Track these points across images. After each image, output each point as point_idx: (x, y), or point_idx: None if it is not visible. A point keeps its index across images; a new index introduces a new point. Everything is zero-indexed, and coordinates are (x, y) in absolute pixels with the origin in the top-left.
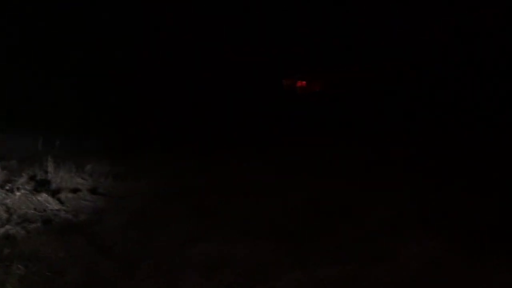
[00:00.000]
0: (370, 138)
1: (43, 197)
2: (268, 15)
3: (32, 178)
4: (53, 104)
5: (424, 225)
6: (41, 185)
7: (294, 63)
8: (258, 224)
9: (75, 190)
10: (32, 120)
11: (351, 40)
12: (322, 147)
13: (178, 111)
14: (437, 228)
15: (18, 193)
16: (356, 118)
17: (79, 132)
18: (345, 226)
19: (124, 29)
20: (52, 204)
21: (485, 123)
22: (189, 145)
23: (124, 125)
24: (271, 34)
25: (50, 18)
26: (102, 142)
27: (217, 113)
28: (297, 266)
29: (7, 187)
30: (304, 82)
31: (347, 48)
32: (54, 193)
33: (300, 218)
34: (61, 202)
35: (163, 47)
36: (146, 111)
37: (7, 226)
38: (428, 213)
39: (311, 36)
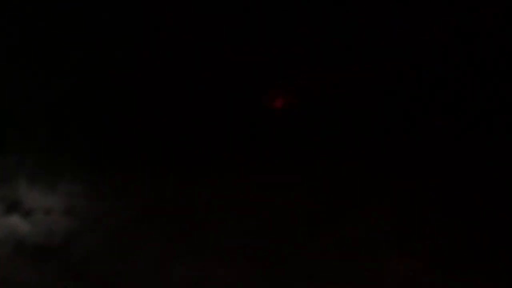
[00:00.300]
0: (355, 150)
1: (14, 219)
2: (261, 15)
3: (2, 199)
4: (27, 118)
5: (410, 242)
6: (12, 207)
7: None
8: (237, 244)
9: (48, 211)
10: (2, 135)
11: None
12: (311, 159)
13: (157, 124)
14: (416, 245)
15: None
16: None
17: (54, 148)
18: (326, 244)
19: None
20: (23, 226)
21: (485, 125)
22: (169, 158)
23: (100, 139)
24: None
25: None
26: (78, 159)
27: (197, 126)
28: (275, 286)
29: None
30: (281, 98)
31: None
32: (26, 215)
33: (280, 236)
34: (33, 224)
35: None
36: (124, 124)
37: None
38: (418, 226)
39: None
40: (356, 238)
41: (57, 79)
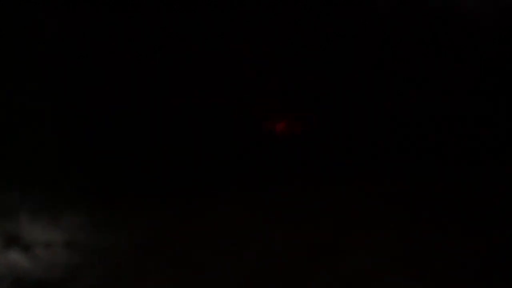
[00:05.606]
0: (358, 176)
1: (14, 253)
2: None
3: (2, 233)
4: (29, 151)
5: (407, 269)
6: (12, 241)
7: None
8: (238, 278)
9: (48, 245)
10: (4, 168)
11: None
12: (307, 190)
13: (158, 155)
14: (422, 272)
15: None
16: (345, 156)
17: (56, 182)
18: (329, 276)
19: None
20: (23, 261)
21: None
22: (171, 191)
23: (102, 172)
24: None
25: None
26: (80, 193)
27: (198, 156)
28: None
29: None
30: (284, 123)
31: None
32: (26, 249)
33: (282, 271)
34: (33, 258)
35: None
36: (125, 156)
37: None
38: (413, 255)
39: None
40: (359, 268)
41: (59, 115)
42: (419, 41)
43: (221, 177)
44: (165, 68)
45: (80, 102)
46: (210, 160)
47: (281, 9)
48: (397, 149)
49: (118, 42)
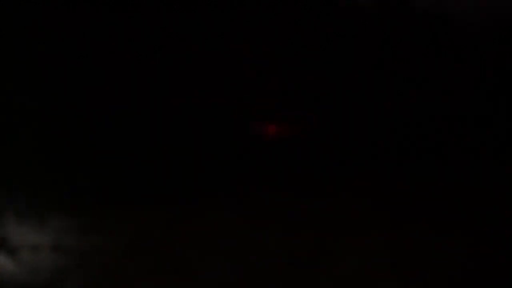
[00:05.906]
0: (348, 183)
1: (0, 256)
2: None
3: None
4: (16, 153)
5: (398, 273)
6: None
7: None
8: (228, 281)
9: (35, 248)
10: None
11: None
12: (299, 195)
13: (156, 156)
14: (422, 272)
15: None
16: (334, 162)
17: (43, 184)
18: (323, 277)
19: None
20: (9, 264)
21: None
22: (160, 194)
23: (94, 174)
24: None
25: None
26: (67, 195)
27: (187, 160)
28: None
29: None
30: (274, 126)
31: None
32: (12, 252)
33: (275, 272)
34: (19, 261)
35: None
36: (121, 157)
37: None
38: (413, 256)
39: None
40: (358, 268)
41: (48, 117)
42: (419, 41)
43: (221, 178)
44: (165, 68)
45: (76, 103)
46: (210, 160)
47: (281, 9)
48: (397, 149)
49: (118, 42)
